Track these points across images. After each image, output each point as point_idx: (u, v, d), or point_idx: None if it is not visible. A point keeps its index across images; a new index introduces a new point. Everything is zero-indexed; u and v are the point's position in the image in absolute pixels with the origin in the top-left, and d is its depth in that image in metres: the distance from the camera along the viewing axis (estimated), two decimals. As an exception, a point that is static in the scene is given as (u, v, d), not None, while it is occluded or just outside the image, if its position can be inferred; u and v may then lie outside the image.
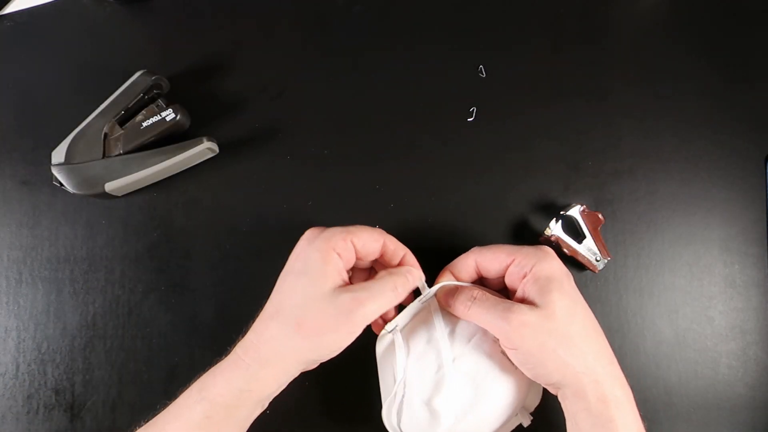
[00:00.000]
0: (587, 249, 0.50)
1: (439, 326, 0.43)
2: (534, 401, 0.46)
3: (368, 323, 0.41)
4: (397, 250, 0.45)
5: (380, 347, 0.45)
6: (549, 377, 0.40)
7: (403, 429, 0.43)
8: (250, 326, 0.43)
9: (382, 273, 0.43)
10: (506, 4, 0.56)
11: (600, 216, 0.50)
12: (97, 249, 0.55)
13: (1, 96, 0.59)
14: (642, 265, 0.51)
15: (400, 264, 0.45)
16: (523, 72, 0.55)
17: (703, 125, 0.53)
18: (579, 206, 0.50)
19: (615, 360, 0.41)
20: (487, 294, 0.42)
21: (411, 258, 0.45)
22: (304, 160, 0.55)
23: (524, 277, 0.42)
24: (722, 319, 0.51)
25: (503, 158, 0.54)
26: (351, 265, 0.44)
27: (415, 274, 0.43)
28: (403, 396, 0.42)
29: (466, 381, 0.42)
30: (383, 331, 0.44)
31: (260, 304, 0.53)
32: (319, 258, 0.41)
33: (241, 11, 0.58)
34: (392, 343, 0.44)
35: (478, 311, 0.41)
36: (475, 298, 0.42)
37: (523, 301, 0.41)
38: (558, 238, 0.50)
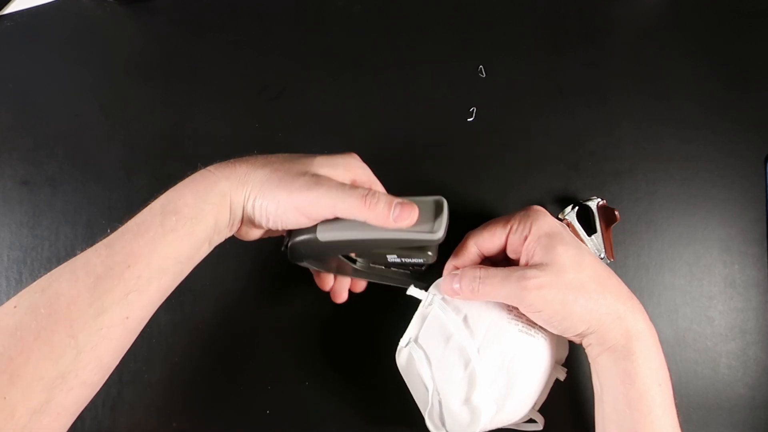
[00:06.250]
0: (594, 244, 0.50)
1: (453, 323, 0.42)
2: (563, 354, 0.46)
3: (319, 214, 0.38)
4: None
5: (401, 362, 0.44)
6: (575, 329, 0.40)
7: (450, 431, 0.43)
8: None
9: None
10: (506, 4, 0.56)
11: (616, 213, 0.50)
12: (97, 249, 0.55)
13: (1, 96, 0.59)
14: (642, 265, 0.51)
15: None
16: (523, 72, 0.55)
17: (702, 125, 0.53)
18: (599, 200, 0.50)
19: (633, 295, 0.42)
20: (490, 269, 0.42)
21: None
22: (304, 160, 0.55)
23: (525, 239, 0.42)
24: (722, 319, 0.51)
25: (503, 158, 0.54)
26: None
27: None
28: (440, 402, 0.42)
29: (496, 367, 0.41)
30: (399, 346, 0.44)
31: (260, 303, 0.53)
32: (342, 163, 0.40)
33: (241, 11, 0.58)
34: (411, 356, 0.43)
35: (491, 288, 0.41)
36: (480, 277, 0.41)
37: (529, 263, 0.41)
38: (570, 224, 0.50)
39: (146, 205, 0.38)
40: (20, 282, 0.55)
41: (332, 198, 0.37)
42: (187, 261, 0.39)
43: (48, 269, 0.54)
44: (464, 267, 0.44)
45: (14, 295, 0.34)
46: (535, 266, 0.40)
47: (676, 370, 0.50)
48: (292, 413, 0.50)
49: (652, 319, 0.50)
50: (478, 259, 0.45)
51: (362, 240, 0.39)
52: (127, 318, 0.35)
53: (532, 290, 0.39)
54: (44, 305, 0.34)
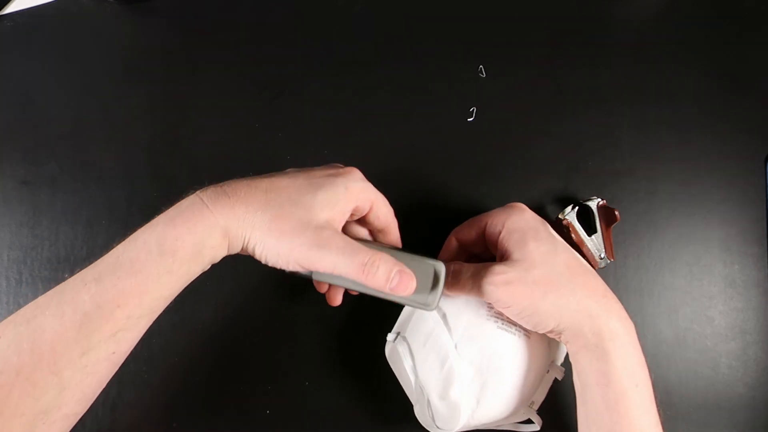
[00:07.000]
0: (594, 244, 0.50)
1: (433, 320, 0.43)
2: (558, 354, 0.46)
3: (317, 269, 0.37)
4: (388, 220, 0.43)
5: (387, 355, 0.46)
6: (545, 325, 0.40)
7: (438, 425, 0.43)
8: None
9: (378, 253, 0.38)
10: (506, 4, 0.56)
11: (616, 213, 0.49)
12: (97, 249, 0.55)
13: (1, 96, 0.58)
14: (642, 265, 0.51)
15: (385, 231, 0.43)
16: (523, 72, 0.55)
17: (702, 126, 0.53)
18: (599, 200, 0.50)
19: (609, 293, 0.41)
20: (465, 264, 0.42)
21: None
22: (304, 160, 0.55)
23: (499, 235, 0.42)
24: (722, 319, 0.51)
25: (503, 158, 0.54)
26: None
27: (405, 280, 0.37)
28: (427, 397, 0.43)
29: (475, 364, 0.42)
30: (387, 340, 0.45)
31: (260, 303, 0.53)
32: (344, 194, 0.39)
33: (241, 11, 0.58)
34: (396, 350, 0.44)
35: (463, 284, 0.41)
36: (452, 272, 0.42)
37: (503, 258, 0.41)
38: (570, 224, 0.50)
39: (132, 233, 0.36)
40: (20, 282, 0.55)
41: (333, 260, 0.36)
42: (178, 293, 0.38)
43: (48, 269, 0.55)
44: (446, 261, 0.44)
45: (14, 295, 0.34)
46: (504, 262, 0.40)
47: (676, 370, 0.50)
48: (292, 413, 0.50)
49: (651, 319, 0.51)
50: (458, 252, 0.46)
51: (356, 289, 0.42)
52: (114, 353, 0.35)
53: (499, 286, 0.39)
54: (27, 339, 0.33)
